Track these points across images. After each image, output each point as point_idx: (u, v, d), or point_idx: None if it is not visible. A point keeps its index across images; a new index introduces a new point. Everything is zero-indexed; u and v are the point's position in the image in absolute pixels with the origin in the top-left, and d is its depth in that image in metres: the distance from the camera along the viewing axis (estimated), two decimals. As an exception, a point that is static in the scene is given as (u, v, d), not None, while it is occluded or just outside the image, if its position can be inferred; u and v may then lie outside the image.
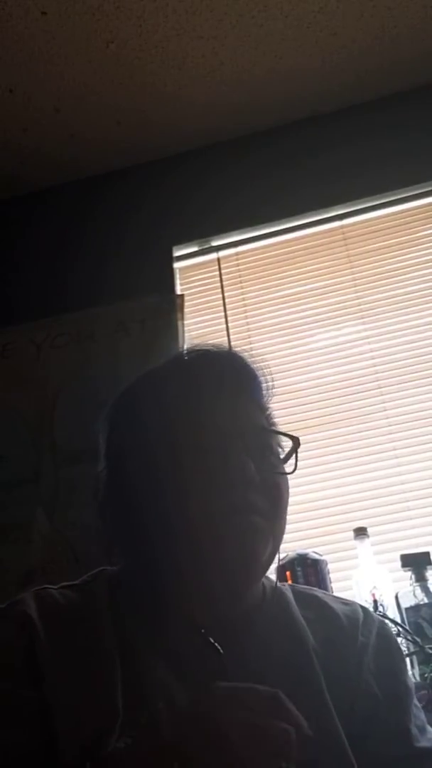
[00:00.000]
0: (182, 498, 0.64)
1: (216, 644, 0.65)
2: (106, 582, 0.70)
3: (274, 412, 0.75)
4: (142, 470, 0.67)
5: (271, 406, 0.75)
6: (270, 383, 0.75)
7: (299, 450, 0.70)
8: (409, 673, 0.76)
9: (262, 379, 0.74)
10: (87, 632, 0.64)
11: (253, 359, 0.75)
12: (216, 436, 0.66)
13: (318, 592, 0.79)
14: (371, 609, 1.03)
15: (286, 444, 0.71)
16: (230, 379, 0.71)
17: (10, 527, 1.64)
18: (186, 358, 0.76)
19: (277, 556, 0.69)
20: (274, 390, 0.75)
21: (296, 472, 0.69)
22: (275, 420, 0.75)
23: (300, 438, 0.71)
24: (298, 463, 0.70)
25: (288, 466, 0.70)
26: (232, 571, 0.65)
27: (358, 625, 0.72)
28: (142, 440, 0.68)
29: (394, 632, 1.16)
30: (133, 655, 0.63)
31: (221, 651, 0.64)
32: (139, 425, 0.69)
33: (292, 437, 0.71)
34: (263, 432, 0.71)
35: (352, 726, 0.64)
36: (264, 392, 0.74)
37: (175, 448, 0.66)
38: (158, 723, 0.58)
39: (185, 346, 1.78)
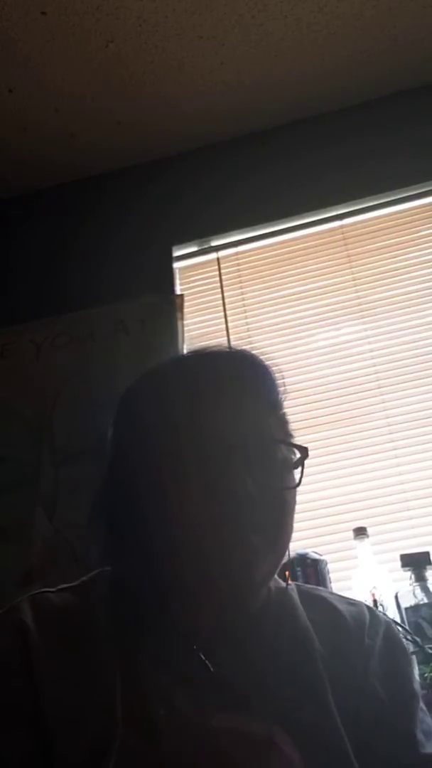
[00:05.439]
0: (177, 511, 0.63)
1: (207, 661, 0.63)
2: (106, 584, 0.69)
3: (287, 411, 0.71)
4: (139, 478, 0.65)
5: (284, 404, 0.71)
6: (281, 380, 0.71)
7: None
8: (416, 676, 0.74)
9: (270, 376, 0.71)
10: (85, 638, 0.63)
11: (260, 357, 0.71)
12: (216, 446, 0.63)
13: (324, 592, 0.77)
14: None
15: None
16: (234, 382, 0.68)
17: (10, 527, 1.64)
18: (189, 360, 0.74)
19: (279, 565, 0.67)
20: (285, 388, 0.71)
21: (304, 470, 0.67)
22: (288, 420, 0.71)
23: (300, 438, 0.68)
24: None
25: (294, 475, 0.67)
26: (224, 590, 0.63)
27: (364, 628, 0.70)
28: (141, 446, 0.66)
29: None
30: (133, 661, 0.62)
31: (212, 669, 0.63)
32: (138, 430, 0.68)
33: (300, 448, 0.67)
34: (268, 441, 0.66)
35: (357, 732, 0.63)
36: (274, 390, 0.70)
37: (173, 457, 0.64)
38: (159, 731, 0.57)
39: (186, 347, 1.79)
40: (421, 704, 0.70)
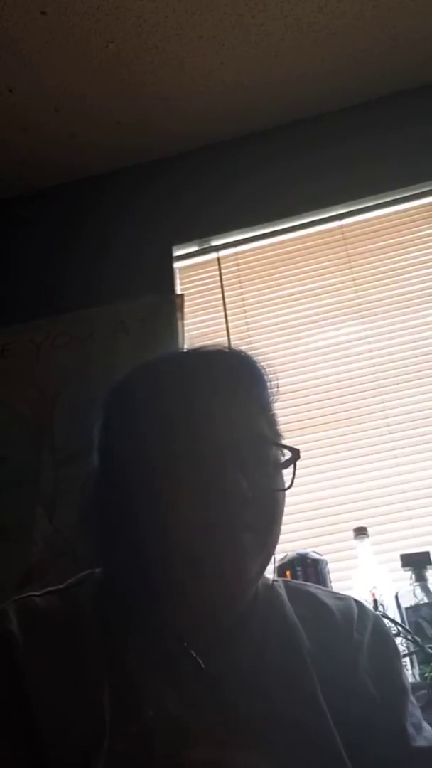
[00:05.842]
0: (170, 512, 0.62)
1: (197, 658, 0.63)
2: (94, 586, 0.69)
3: (277, 412, 0.72)
4: (132, 479, 0.65)
5: (274, 405, 0.71)
6: (274, 381, 0.71)
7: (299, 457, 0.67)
8: (405, 669, 0.74)
9: (262, 377, 0.71)
10: (72, 641, 0.63)
11: (254, 357, 0.71)
12: (210, 446, 0.63)
13: (311, 587, 0.77)
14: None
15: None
16: (227, 381, 0.68)
17: (10, 527, 1.64)
18: (183, 358, 0.74)
19: (269, 565, 0.67)
20: (278, 389, 0.71)
21: (296, 471, 0.67)
22: (278, 420, 0.71)
23: (300, 438, 0.69)
24: (298, 464, 0.67)
25: (286, 475, 0.67)
26: (215, 590, 0.63)
27: (352, 622, 0.71)
28: (135, 447, 0.66)
29: (393, 631, 1.16)
30: (121, 662, 0.62)
31: (203, 665, 0.63)
32: (132, 427, 0.67)
33: (292, 449, 0.67)
34: (261, 442, 0.66)
35: (348, 728, 0.63)
36: (266, 391, 0.71)
37: (167, 458, 0.63)
38: (149, 732, 0.57)
39: (185, 346, 1.78)
40: (411, 697, 0.70)
